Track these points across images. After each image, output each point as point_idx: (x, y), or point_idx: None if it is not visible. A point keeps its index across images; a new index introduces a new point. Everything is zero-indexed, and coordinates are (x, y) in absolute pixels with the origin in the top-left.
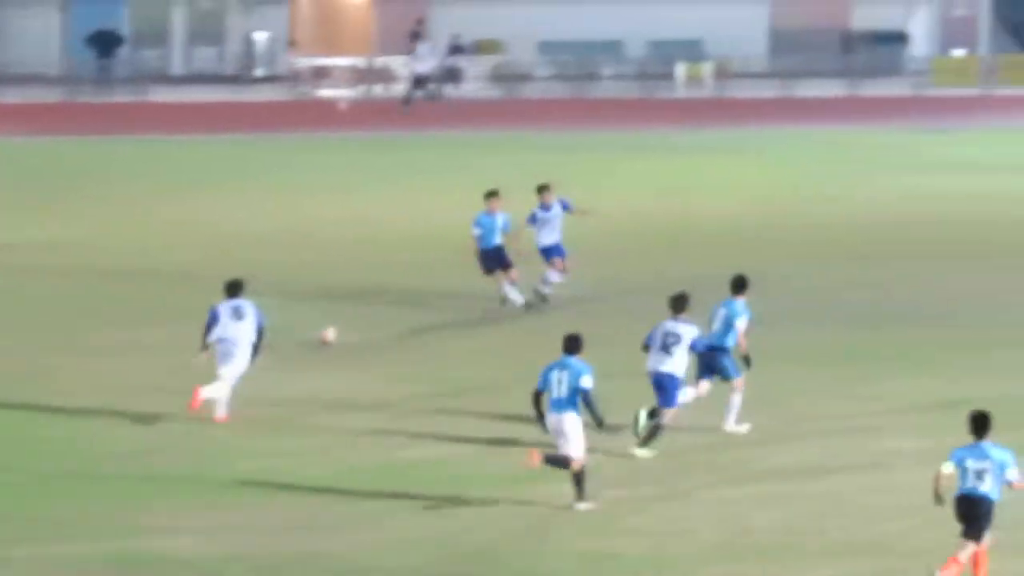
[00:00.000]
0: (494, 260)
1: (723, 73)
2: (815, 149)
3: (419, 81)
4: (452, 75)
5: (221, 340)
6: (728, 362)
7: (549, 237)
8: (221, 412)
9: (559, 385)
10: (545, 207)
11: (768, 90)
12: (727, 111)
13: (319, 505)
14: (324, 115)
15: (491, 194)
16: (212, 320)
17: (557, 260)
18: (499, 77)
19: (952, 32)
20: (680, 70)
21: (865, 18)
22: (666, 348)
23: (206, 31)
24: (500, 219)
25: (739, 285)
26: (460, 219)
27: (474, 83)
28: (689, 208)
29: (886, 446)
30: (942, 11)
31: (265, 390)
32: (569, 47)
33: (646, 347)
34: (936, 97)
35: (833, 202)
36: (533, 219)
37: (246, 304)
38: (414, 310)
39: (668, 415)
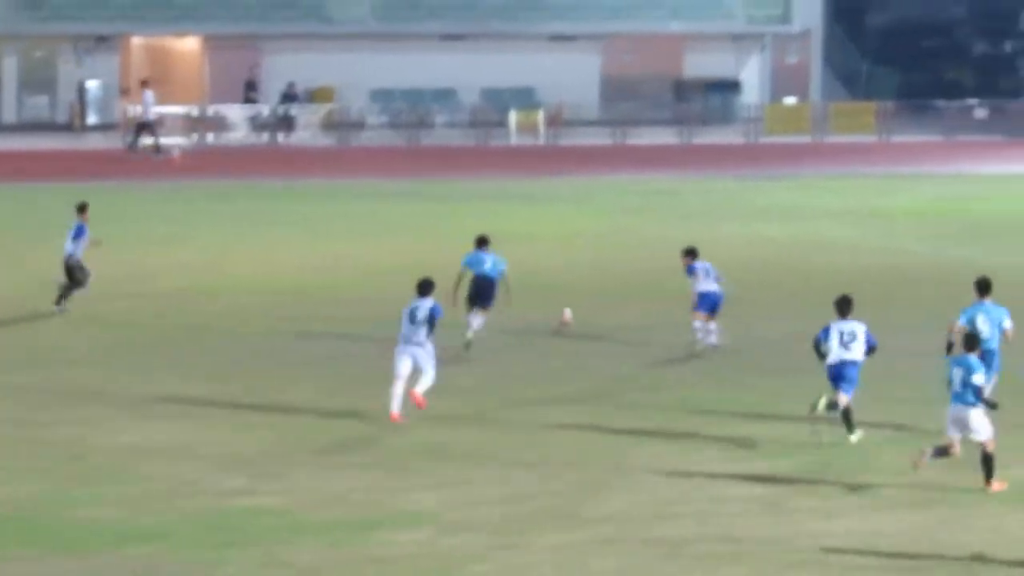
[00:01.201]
0: (483, 291)
1: (555, 121)
2: (648, 197)
3: (142, 127)
4: (285, 123)
5: (401, 339)
6: (997, 364)
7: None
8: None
9: (959, 381)
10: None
11: (601, 138)
12: (560, 159)
13: (158, 554)
14: (157, 163)
15: (481, 240)
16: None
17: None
18: (332, 125)
19: (784, 80)
20: (513, 118)
21: (697, 66)
22: (846, 344)
23: (38, 79)
24: (490, 260)
25: (986, 287)
26: (297, 266)
27: (307, 131)
28: (522, 256)
29: (721, 492)
30: (774, 59)
31: (104, 437)
32: (402, 95)
33: (816, 347)
34: (768, 145)
35: (665, 249)
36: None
37: (422, 306)
38: (256, 358)
39: (845, 400)
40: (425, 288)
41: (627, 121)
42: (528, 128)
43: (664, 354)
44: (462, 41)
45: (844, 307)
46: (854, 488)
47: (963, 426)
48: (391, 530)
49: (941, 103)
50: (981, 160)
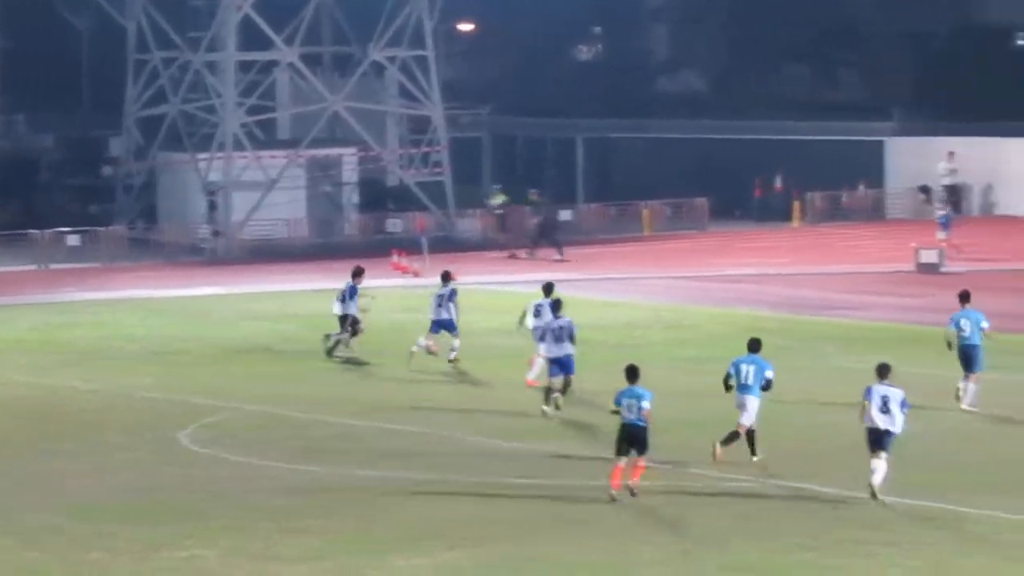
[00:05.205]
0: None
1: None
2: None
3: None
4: None
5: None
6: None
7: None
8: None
9: (748, 375)
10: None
11: None
12: None
13: None
14: None
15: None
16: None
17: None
18: None
19: None
20: None
21: None
22: (559, 339)
23: None
24: None
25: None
26: None
27: None
28: None
29: None
30: None
31: None
32: None
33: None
34: None
35: None
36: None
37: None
38: None
39: (571, 380)
40: (556, 306)
41: None
42: None
43: None
44: None
45: (556, 306)
46: None
47: (743, 407)
48: None
49: (35, 233)
50: (78, 287)
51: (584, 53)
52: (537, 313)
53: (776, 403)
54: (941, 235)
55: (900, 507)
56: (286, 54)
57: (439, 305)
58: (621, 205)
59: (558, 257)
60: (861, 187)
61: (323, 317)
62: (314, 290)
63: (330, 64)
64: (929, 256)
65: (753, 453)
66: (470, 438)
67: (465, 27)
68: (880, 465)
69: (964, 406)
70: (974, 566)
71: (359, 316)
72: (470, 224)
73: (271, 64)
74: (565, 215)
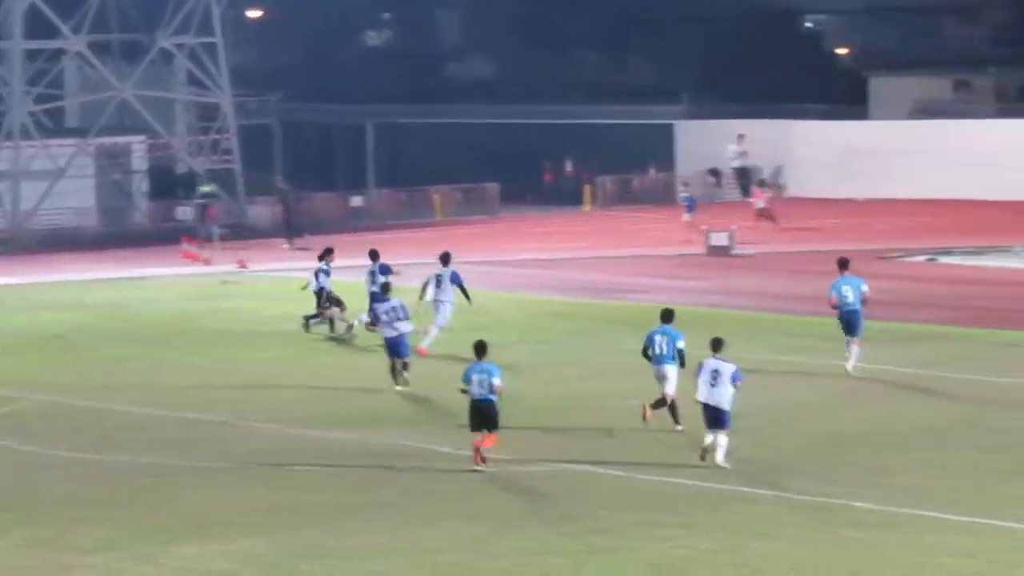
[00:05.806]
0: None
1: None
2: None
3: None
4: None
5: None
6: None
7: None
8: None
9: (661, 345)
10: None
11: None
12: None
13: None
14: None
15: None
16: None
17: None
18: None
19: None
20: None
21: None
22: (396, 320)
23: None
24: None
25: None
26: None
27: None
28: None
29: None
30: None
31: None
32: None
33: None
34: None
35: None
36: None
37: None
38: None
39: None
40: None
41: None
42: None
43: None
44: None
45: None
46: None
47: (662, 377)
48: None
49: None
50: None
51: (374, 39)
52: (437, 284)
53: (570, 386)
54: (686, 217)
55: (697, 489)
56: (73, 42)
57: (372, 282)
58: (412, 190)
59: (287, 245)
60: (651, 171)
61: (112, 306)
62: (104, 279)
63: (118, 52)
64: (719, 239)
65: (676, 422)
66: (261, 425)
67: (253, 13)
68: (721, 441)
69: (848, 368)
70: (769, 549)
71: (335, 294)
72: (260, 211)
73: (59, 52)
74: (356, 201)
